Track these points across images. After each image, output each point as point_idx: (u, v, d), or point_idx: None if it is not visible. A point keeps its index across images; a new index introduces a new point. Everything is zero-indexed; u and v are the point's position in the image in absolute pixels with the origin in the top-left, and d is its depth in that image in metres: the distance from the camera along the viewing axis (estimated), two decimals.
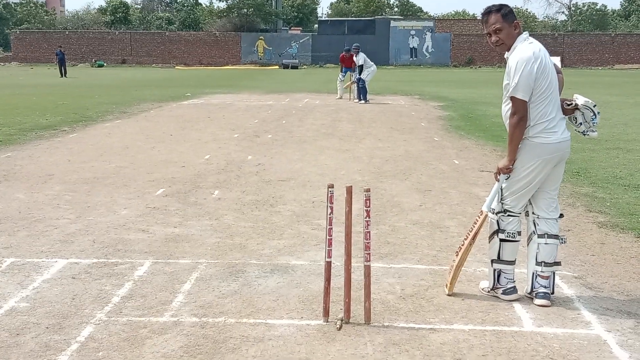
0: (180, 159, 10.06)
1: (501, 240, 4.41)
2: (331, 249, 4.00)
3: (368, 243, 4.01)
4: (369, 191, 4.01)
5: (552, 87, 4.28)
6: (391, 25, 65.06)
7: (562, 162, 4.42)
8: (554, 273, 4.43)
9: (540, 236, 4.40)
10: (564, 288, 4.63)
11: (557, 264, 4.45)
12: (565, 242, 4.60)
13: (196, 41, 67.45)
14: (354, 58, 21.50)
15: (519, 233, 4.43)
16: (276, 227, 6.22)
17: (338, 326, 3.91)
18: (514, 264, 4.47)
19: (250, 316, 4.08)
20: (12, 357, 3.51)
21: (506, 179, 4.38)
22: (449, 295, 4.46)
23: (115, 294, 4.44)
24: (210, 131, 13.51)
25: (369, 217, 4.01)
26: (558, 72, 4.43)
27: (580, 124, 4.51)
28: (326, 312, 4.00)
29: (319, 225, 6.18)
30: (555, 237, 4.42)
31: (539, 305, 4.30)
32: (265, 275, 4.84)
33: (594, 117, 4.49)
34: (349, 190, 3.95)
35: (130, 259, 5.21)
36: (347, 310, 4.00)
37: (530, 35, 4.44)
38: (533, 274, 4.42)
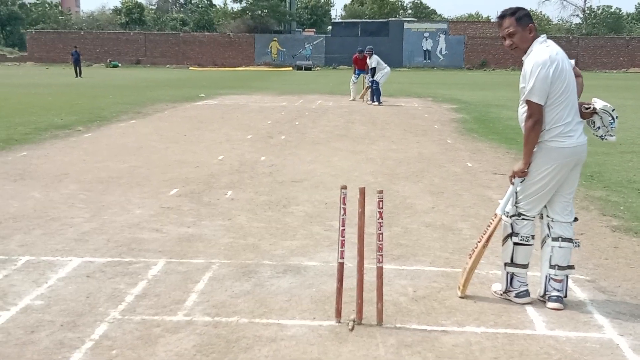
0: (194, 159, 10.10)
1: (515, 243, 4.42)
2: (344, 250, 4.01)
3: (380, 244, 4.02)
4: (382, 193, 4.02)
5: (569, 91, 4.25)
6: (405, 27, 64.98)
7: (578, 166, 4.39)
8: (567, 277, 4.43)
9: (554, 239, 4.39)
10: (576, 291, 4.62)
11: (571, 267, 4.44)
12: (579, 246, 4.60)
13: (210, 42, 67.65)
14: (367, 60, 21.49)
15: (533, 237, 4.43)
16: (289, 227, 6.24)
17: (350, 327, 3.92)
18: (527, 267, 4.47)
19: (263, 316, 4.10)
20: (27, 354, 3.55)
21: (521, 182, 4.37)
22: (461, 297, 4.47)
23: (129, 292, 4.48)
24: (224, 132, 13.55)
25: (382, 219, 4.02)
26: (577, 75, 4.43)
27: (599, 128, 4.47)
28: (338, 313, 4.02)
29: (331, 226, 6.20)
30: (570, 240, 4.41)
31: (551, 309, 4.30)
32: (278, 276, 4.86)
33: (612, 121, 4.44)
34: (362, 192, 3.96)
35: (144, 258, 5.24)
36: (359, 311, 4.01)
37: (547, 37, 4.43)
38: (546, 277, 4.41)
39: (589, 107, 4.41)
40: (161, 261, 5.16)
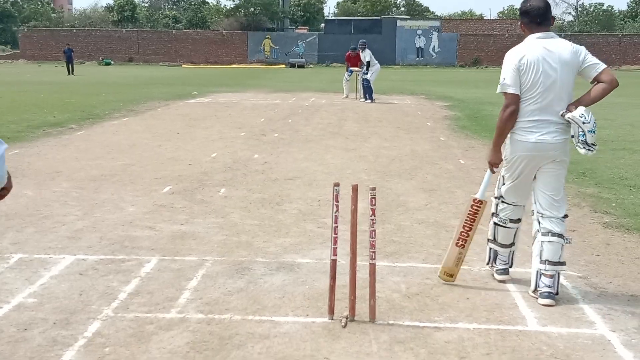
0: (187, 157, 10.09)
1: (494, 223, 4.71)
2: (337, 247, 4.02)
3: (373, 241, 4.04)
4: (375, 190, 4.03)
5: (538, 90, 4.35)
6: (398, 24, 64.95)
7: (551, 165, 4.46)
8: (558, 273, 4.44)
9: (544, 234, 4.43)
10: (568, 288, 4.64)
11: (562, 264, 4.46)
12: (570, 242, 4.67)
13: (203, 40, 67.50)
14: (361, 55, 21.44)
15: (511, 220, 4.63)
16: (282, 225, 6.25)
17: (343, 324, 3.93)
18: (509, 247, 4.71)
19: (256, 313, 4.11)
20: (20, 352, 3.55)
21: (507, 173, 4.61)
22: (453, 283, 4.61)
23: (122, 290, 4.48)
24: (217, 129, 13.54)
25: (374, 216, 4.03)
26: (601, 80, 4.40)
27: (572, 136, 4.46)
28: (331, 310, 4.03)
29: (324, 223, 6.21)
30: (560, 236, 4.43)
31: (543, 305, 4.32)
32: (271, 273, 4.87)
33: (582, 134, 4.39)
34: (355, 189, 3.97)
35: (137, 255, 5.24)
36: (352, 308, 4.03)
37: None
38: (537, 272, 4.43)
39: (563, 113, 4.41)
40: (154, 259, 5.16)
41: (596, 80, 4.41)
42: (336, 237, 4.00)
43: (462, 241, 4.67)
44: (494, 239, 4.72)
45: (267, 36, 66.84)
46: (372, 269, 4.04)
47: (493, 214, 4.70)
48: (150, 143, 11.52)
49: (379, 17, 69.94)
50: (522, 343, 3.75)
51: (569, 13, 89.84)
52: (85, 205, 6.91)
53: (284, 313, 4.12)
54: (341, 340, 3.73)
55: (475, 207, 4.67)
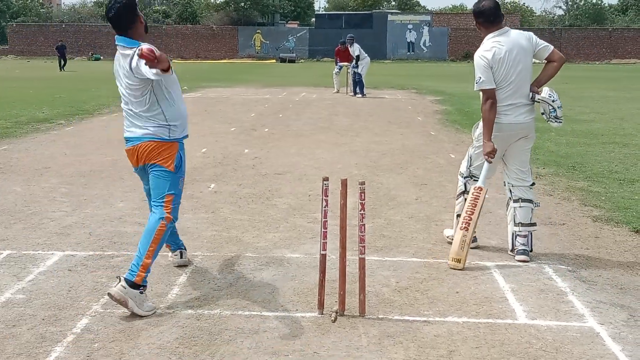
0: None
1: (466, 200, 5.13)
2: (326, 242, 4.01)
3: (363, 236, 4.03)
4: (364, 184, 4.02)
5: (509, 78, 4.98)
6: (388, 19, 64.83)
7: (521, 141, 5.11)
8: (530, 233, 5.11)
9: (515, 201, 5.13)
10: (557, 281, 4.66)
11: (533, 224, 5.15)
12: (539, 205, 5.34)
13: (193, 35, 67.27)
14: (350, 49, 21.39)
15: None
16: (272, 220, 6.24)
17: (333, 318, 3.93)
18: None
19: (246, 308, 4.10)
20: (9, 348, 3.53)
21: (475, 152, 5.20)
22: (463, 269, 4.79)
23: (111, 286, 4.44)
24: (207, 125, 13.50)
25: (364, 210, 4.02)
26: (552, 60, 5.10)
27: (543, 114, 5.13)
28: (321, 305, 4.03)
29: (314, 218, 6.20)
30: (529, 201, 5.13)
31: (519, 261, 5.00)
32: (261, 268, 4.86)
33: (552, 110, 5.08)
34: (344, 183, 3.96)
35: (126, 251, 5.22)
36: (342, 302, 4.02)
37: (531, 29, 4.76)
38: (512, 234, 5.14)
39: (533, 95, 5.07)
40: None
41: (548, 59, 5.13)
42: (326, 232, 3.99)
43: (465, 224, 4.99)
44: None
45: (258, 31, 66.66)
46: (362, 263, 4.04)
47: (462, 192, 5.27)
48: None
49: (369, 12, 69.82)
50: (511, 336, 3.76)
51: (559, 7, 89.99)
52: (74, 201, 6.88)
53: (274, 308, 4.12)
54: (331, 335, 3.73)
55: (476, 194, 5.08)
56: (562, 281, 4.66)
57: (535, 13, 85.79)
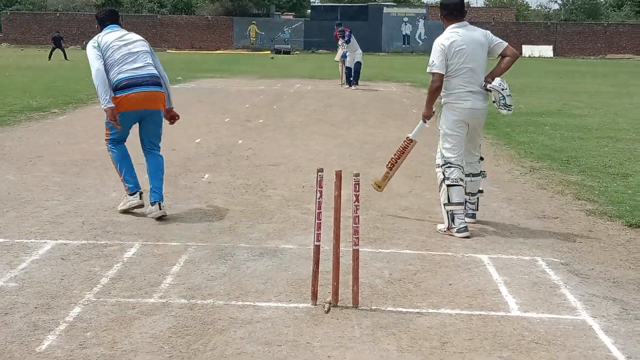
0: (170, 142, 9.98)
1: (448, 185, 5.53)
2: (320, 233, 4.01)
3: (357, 227, 4.03)
4: (358, 176, 4.02)
5: (467, 67, 5.52)
6: (384, 11, 64.73)
7: (477, 127, 5.72)
8: (478, 199, 5.92)
9: (467, 175, 5.71)
10: (550, 274, 4.67)
11: (480, 192, 5.93)
12: (485, 176, 6.06)
13: (188, 25, 67.00)
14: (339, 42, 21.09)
15: (461, 179, 5.57)
16: (266, 211, 6.23)
17: (326, 309, 3.93)
18: (463, 205, 5.58)
19: (239, 298, 4.10)
20: (1, 336, 3.52)
21: (442, 139, 5.71)
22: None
23: (104, 275, 4.45)
24: (202, 115, 13.47)
25: (358, 202, 4.02)
26: (506, 55, 5.67)
27: (494, 102, 5.64)
28: (314, 296, 4.02)
29: (308, 209, 6.20)
30: (478, 174, 5.85)
31: (468, 222, 5.60)
32: (254, 259, 4.86)
33: (502, 98, 5.58)
34: (338, 175, 3.96)
35: (119, 240, 5.21)
36: (335, 293, 4.02)
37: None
38: (464, 201, 5.69)
39: (485, 85, 5.60)
40: (137, 244, 5.14)
41: (502, 55, 5.70)
42: (320, 223, 3.99)
43: (390, 165, 6.06)
44: (449, 201, 5.54)
45: (253, 22, 66.44)
46: (356, 254, 4.04)
47: (443, 180, 5.59)
48: (134, 128, 11.40)
49: (365, 4, 69.64)
50: (504, 328, 3.76)
51: (555, 2, 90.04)
52: (67, 190, 6.86)
53: (267, 298, 4.11)
54: (324, 326, 3.73)
55: (406, 143, 6.03)
56: (555, 274, 4.67)
57: (531, 7, 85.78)
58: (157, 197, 5.85)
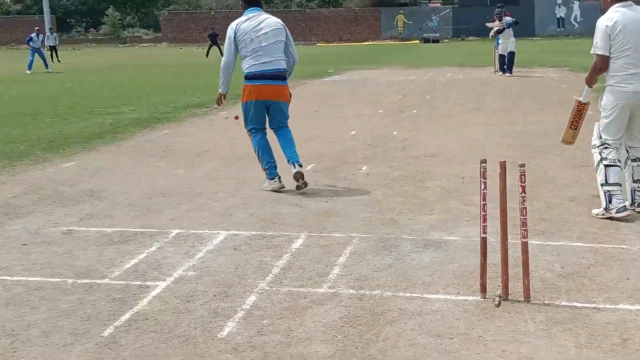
0: (326, 135, 10.22)
1: (605, 166, 5.46)
2: (486, 225, 3.94)
3: (524, 219, 3.92)
4: (524, 166, 3.90)
5: (630, 47, 5.39)
6: None
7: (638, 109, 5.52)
8: None
9: (633, 160, 5.57)
10: None
11: None
12: None
13: (336, 18, 67.83)
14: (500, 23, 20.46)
15: (619, 160, 5.50)
16: (426, 202, 6.21)
17: (496, 303, 3.87)
18: (621, 186, 5.47)
19: (407, 290, 4.12)
20: (185, 322, 3.74)
21: (601, 121, 5.64)
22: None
23: (274, 265, 4.61)
24: (354, 107, 13.62)
25: (525, 193, 3.91)
26: None
27: None
28: (483, 289, 3.97)
29: (470, 200, 6.11)
30: None
31: (639, 212, 5.48)
32: (419, 250, 4.86)
33: None
34: (503, 166, 3.88)
35: (286, 232, 5.38)
36: (505, 286, 3.95)
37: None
38: (632, 190, 5.60)
39: None
40: (303, 235, 5.28)
41: None
42: (485, 215, 3.93)
43: (574, 126, 6.16)
44: (607, 181, 5.45)
45: (400, 12, 66.16)
46: (525, 247, 3.93)
47: (600, 160, 5.51)
48: (290, 121, 11.71)
49: None
50: None
51: None
52: (233, 183, 7.17)
53: (435, 291, 4.11)
54: (495, 320, 3.67)
55: (580, 106, 6.06)
56: None
57: None
58: (294, 159, 6.69)
